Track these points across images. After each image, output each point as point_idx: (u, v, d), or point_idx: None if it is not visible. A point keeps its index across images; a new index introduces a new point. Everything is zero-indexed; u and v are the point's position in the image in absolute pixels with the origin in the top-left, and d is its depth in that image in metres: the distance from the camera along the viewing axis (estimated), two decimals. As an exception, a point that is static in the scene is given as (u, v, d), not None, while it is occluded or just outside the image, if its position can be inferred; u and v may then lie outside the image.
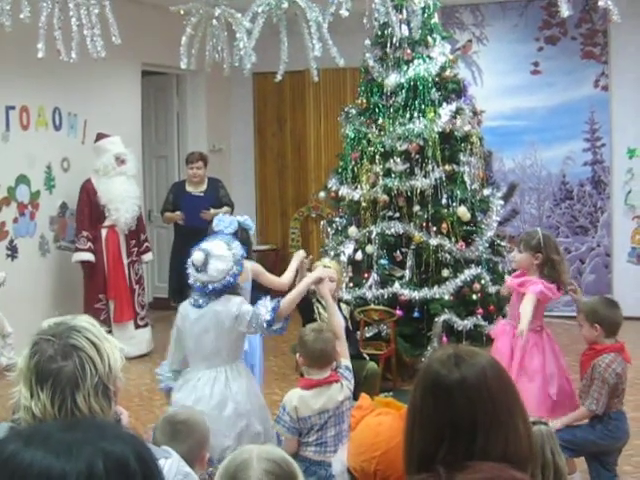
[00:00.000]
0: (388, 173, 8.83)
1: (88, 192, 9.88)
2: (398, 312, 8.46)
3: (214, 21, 6.97)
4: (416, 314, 8.52)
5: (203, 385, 5.49)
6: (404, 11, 8.80)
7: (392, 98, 9.02)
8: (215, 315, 5.48)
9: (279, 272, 6.61)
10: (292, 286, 6.47)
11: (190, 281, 5.57)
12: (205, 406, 5.34)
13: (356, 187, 9.01)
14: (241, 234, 6.53)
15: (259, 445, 3.02)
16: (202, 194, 10.37)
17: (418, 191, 8.67)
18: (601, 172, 11.58)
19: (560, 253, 6.31)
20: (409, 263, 8.68)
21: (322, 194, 9.69)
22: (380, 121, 9.00)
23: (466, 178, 8.80)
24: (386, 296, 8.61)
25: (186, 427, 4.07)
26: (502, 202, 9.01)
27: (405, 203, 8.76)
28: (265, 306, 5.48)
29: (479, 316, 8.42)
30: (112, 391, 2.58)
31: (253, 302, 5.73)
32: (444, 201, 8.69)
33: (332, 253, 8.96)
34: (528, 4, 11.65)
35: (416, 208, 8.69)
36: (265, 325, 5.43)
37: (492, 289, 8.57)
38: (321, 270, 6.34)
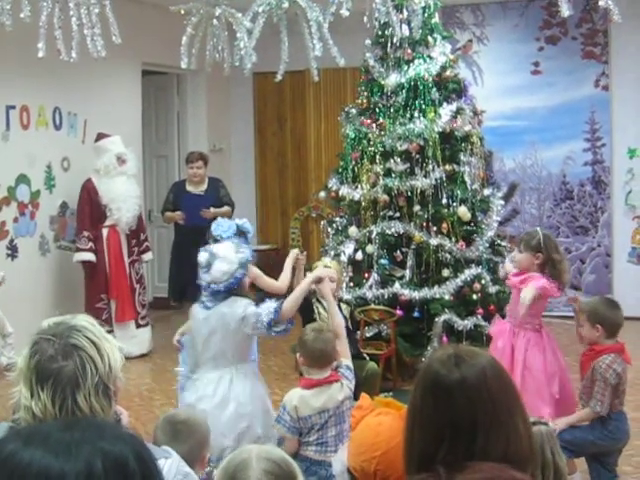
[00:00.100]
0: (388, 173, 8.83)
1: (89, 192, 9.88)
2: (398, 312, 8.46)
3: (214, 21, 6.97)
4: (416, 314, 8.52)
5: (207, 385, 5.56)
6: (404, 11, 8.80)
7: (392, 98, 9.02)
8: (221, 317, 5.54)
9: (279, 272, 6.59)
10: (290, 286, 6.49)
11: (199, 281, 5.67)
12: (207, 405, 5.41)
13: (356, 187, 9.01)
14: (242, 236, 6.57)
15: (258, 445, 3.02)
16: (202, 193, 10.37)
17: (418, 191, 8.67)
18: (601, 172, 11.57)
19: (560, 253, 6.31)
20: (409, 263, 8.68)
21: (322, 194, 9.68)
22: (380, 121, 9.00)
23: (466, 178, 8.80)
24: (386, 296, 8.61)
25: (187, 427, 4.07)
26: (502, 202, 9.01)
27: (405, 203, 8.76)
28: (267, 307, 5.50)
29: (479, 316, 8.41)
30: (112, 391, 2.57)
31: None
32: (444, 201, 8.68)
33: (332, 253, 8.96)
34: (529, 4, 11.65)
35: (416, 208, 8.69)
36: (267, 326, 5.46)
37: (492, 289, 8.57)
38: (321, 270, 6.34)
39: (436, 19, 9.29)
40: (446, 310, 8.43)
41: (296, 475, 2.77)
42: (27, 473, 1.49)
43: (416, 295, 8.50)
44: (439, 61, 8.97)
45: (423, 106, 8.81)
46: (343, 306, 7.75)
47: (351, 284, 8.83)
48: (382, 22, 8.77)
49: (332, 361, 5.31)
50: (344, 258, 8.86)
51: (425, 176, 8.69)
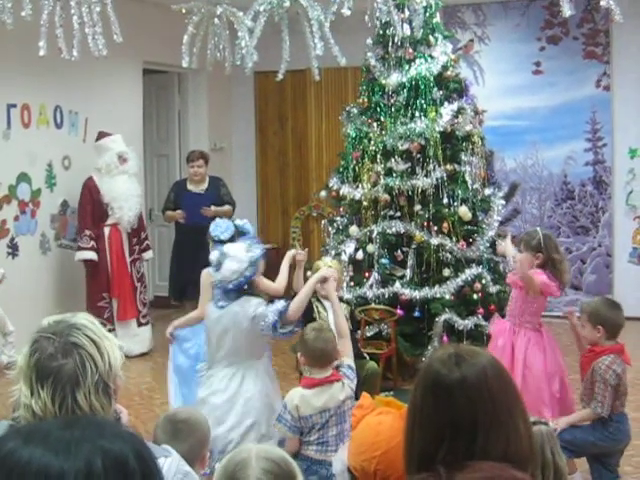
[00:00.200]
0: (389, 172, 8.83)
1: (90, 190, 9.88)
2: (399, 311, 8.46)
3: (216, 20, 6.97)
4: (417, 313, 8.52)
5: (220, 380, 5.69)
6: (406, 10, 8.80)
7: (393, 97, 9.02)
8: (233, 316, 5.63)
9: (279, 272, 6.60)
10: (288, 287, 6.50)
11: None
12: (218, 399, 5.61)
13: (357, 186, 9.01)
14: (238, 238, 6.64)
15: (258, 444, 3.03)
16: (203, 192, 10.36)
17: (419, 190, 8.67)
18: (602, 172, 11.57)
19: (561, 253, 6.31)
20: (410, 262, 8.67)
21: (323, 193, 9.69)
22: (382, 120, 9.00)
23: (467, 178, 8.80)
24: (387, 295, 8.61)
25: (187, 426, 4.07)
26: (503, 202, 9.00)
27: (406, 202, 8.76)
28: (274, 309, 5.53)
29: (480, 316, 8.41)
30: (112, 389, 2.57)
31: None
32: (445, 200, 8.68)
33: (333, 252, 8.96)
34: (530, 4, 11.64)
35: (417, 207, 8.69)
36: (272, 328, 5.50)
37: (493, 289, 8.57)
38: (326, 269, 6.34)
39: (437, 19, 9.29)
40: (447, 310, 8.43)
41: (296, 474, 2.77)
42: (26, 471, 1.49)
43: (417, 295, 8.50)
44: (440, 61, 8.97)
45: (424, 105, 8.81)
46: (343, 305, 7.75)
47: (352, 283, 8.83)
48: (383, 21, 8.77)
49: (333, 360, 5.31)
50: (345, 257, 8.86)
51: (426, 176, 8.69)
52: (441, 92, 8.92)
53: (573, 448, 5.49)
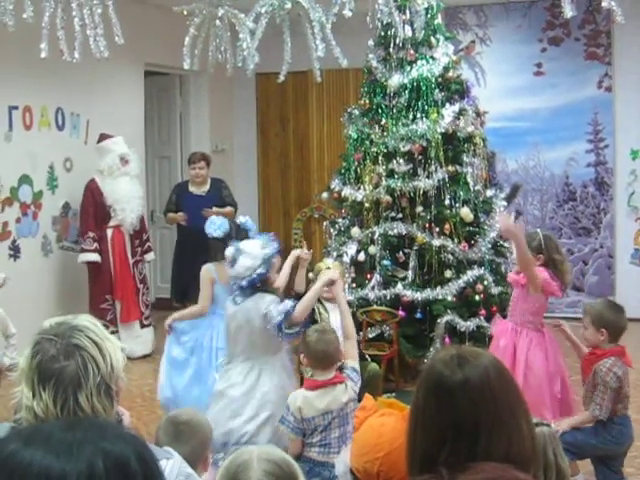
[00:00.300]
0: (391, 174, 8.82)
1: (93, 192, 9.88)
2: (401, 313, 8.45)
3: (217, 21, 6.97)
4: (419, 315, 8.51)
5: (237, 374, 5.78)
6: (407, 12, 8.79)
7: (395, 99, 9.02)
8: (247, 312, 5.71)
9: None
10: (289, 286, 6.50)
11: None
12: (235, 392, 5.71)
13: (359, 188, 9.01)
14: (237, 235, 6.71)
15: (259, 446, 3.03)
16: (204, 194, 10.36)
17: (421, 192, 8.66)
18: (604, 173, 11.56)
19: (562, 253, 6.31)
20: (412, 264, 8.67)
21: (325, 195, 9.69)
22: (383, 122, 9.00)
23: (469, 179, 8.80)
24: (389, 297, 8.60)
25: (189, 428, 4.07)
26: (505, 203, 9.00)
27: (408, 204, 8.76)
28: (281, 309, 5.56)
29: (482, 317, 8.40)
30: (114, 391, 2.57)
31: None
32: (447, 202, 8.68)
33: (335, 254, 8.95)
34: (531, 5, 11.64)
35: (419, 209, 8.69)
36: (277, 327, 5.53)
37: (495, 290, 8.57)
38: (333, 272, 6.34)
39: (439, 20, 9.29)
40: (448, 311, 8.42)
41: (297, 476, 2.77)
42: (28, 473, 1.49)
43: (418, 296, 8.50)
44: (442, 62, 8.97)
45: (426, 107, 8.81)
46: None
47: (353, 285, 8.83)
48: (385, 23, 8.76)
49: (336, 362, 5.32)
50: (346, 259, 8.85)
51: (428, 177, 8.68)
52: (443, 93, 8.91)
53: (575, 450, 5.48)
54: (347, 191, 9.09)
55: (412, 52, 8.95)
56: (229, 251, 5.76)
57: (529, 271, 6.06)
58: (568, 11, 5.66)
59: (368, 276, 8.78)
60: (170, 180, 12.49)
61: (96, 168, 9.92)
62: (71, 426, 1.59)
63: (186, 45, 6.99)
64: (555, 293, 6.21)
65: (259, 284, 5.69)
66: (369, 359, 7.76)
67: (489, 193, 8.99)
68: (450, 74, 9.01)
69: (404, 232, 8.72)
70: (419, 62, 8.94)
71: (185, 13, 7.04)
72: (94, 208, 9.86)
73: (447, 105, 8.88)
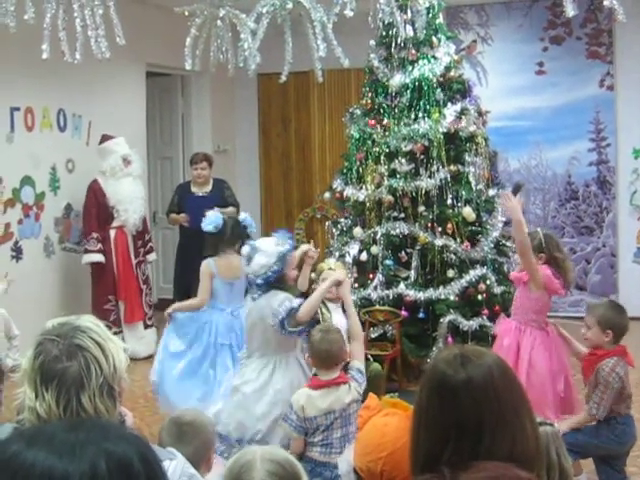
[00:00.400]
0: (393, 174, 8.82)
1: (95, 193, 9.89)
2: (403, 313, 8.45)
3: (218, 22, 6.96)
4: (421, 315, 8.50)
5: (252, 371, 5.82)
6: (409, 11, 8.78)
7: (397, 98, 9.01)
8: (260, 310, 5.74)
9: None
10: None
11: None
12: (248, 388, 5.74)
13: (361, 188, 9.00)
14: (232, 230, 6.81)
15: (263, 446, 3.03)
16: (207, 195, 10.36)
17: (423, 192, 8.66)
18: (606, 172, 11.56)
19: (563, 251, 6.30)
20: (414, 264, 8.66)
21: (327, 195, 9.69)
22: (385, 122, 8.99)
23: (471, 178, 8.80)
24: (391, 297, 8.59)
25: (192, 428, 4.06)
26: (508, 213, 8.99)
27: (410, 204, 8.75)
28: (287, 307, 5.57)
29: (484, 317, 8.40)
30: (117, 391, 2.57)
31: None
32: (449, 201, 8.67)
33: (337, 254, 8.95)
34: (533, 4, 11.64)
35: (421, 209, 8.68)
36: (280, 325, 5.55)
37: (497, 289, 8.57)
38: (339, 272, 6.33)
39: (440, 19, 9.28)
40: (451, 311, 8.42)
41: (300, 476, 2.77)
42: (30, 474, 1.49)
43: (421, 296, 8.49)
44: (443, 61, 8.97)
45: (427, 107, 8.81)
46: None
47: (356, 285, 8.82)
48: (386, 23, 8.75)
49: (339, 362, 5.31)
50: (349, 259, 8.85)
51: (430, 177, 8.68)
52: (444, 93, 8.91)
53: (577, 450, 5.47)
54: (349, 191, 9.08)
55: (414, 52, 8.95)
56: (245, 249, 5.80)
57: (526, 256, 6.06)
58: (570, 10, 5.65)
59: (370, 276, 8.77)
60: (172, 181, 12.49)
61: (98, 169, 9.92)
62: (74, 427, 1.59)
63: (187, 46, 6.98)
64: (558, 291, 6.20)
65: (274, 281, 5.70)
66: (371, 359, 7.76)
67: (491, 192, 8.99)
68: (452, 74, 9.01)
69: (406, 232, 8.71)
70: (421, 62, 8.93)
71: (186, 14, 7.04)
72: (97, 209, 9.87)
73: (449, 105, 8.88)
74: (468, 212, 8.61)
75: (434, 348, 8.39)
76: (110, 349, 2.56)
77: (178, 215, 10.46)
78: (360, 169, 9.06)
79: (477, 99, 9.23)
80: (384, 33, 9.13)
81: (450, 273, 8.58)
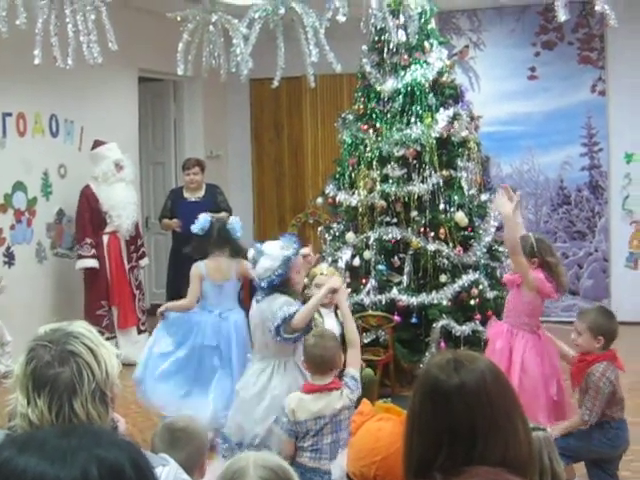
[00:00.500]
0: (385, 179, 8.82)
1: (88, 198, 9.89)
2: (396, 318, 8.45)
3: (211, 27, 6.97)
4: (414, 320, 8.50)
5: (251, 374, 5.85)
6: (401, 16, 8.78)
7: (389, 104, 9.01)
8: (261, 312, 5.76)
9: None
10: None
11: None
12: (247, 393, 5.78)
13: (353, 193, 9.00)
14: (219, 233, 6.88)
15: (256, 452, 3.02)
16: (199, 200, 10.35)
17: (415, 196, 8.66)
18: (599, 177, 11.58)
19: (555, 256, 6.29)
20: (407, 269, 8.66)
21: (319, 200, 9.69)
22: (377, 127, 9.00)
23: (463, 183, 8.80)
24: (384, 302, 8.59)
25: (185, 434, 4.06)
26: (498, 209, 8.98)
27: (402, 209, 8.75)
28: (283, 313, 5.57)
29: (477, 321, 8.40)
30: (109, 397, 2.57)
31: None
32: (442, 206, 8.68)
33: (330, 259, 8.94)
34: (525, 9, 11.66)
35: (414, 214, 8.69)
36: (275, 330, 5.56)
37: (490, 294, 8.57)
38: (335, 280, 6.31)
39: (432, 25, 9.29)
40: (444, 316, 8.42)
41: (293, 482, 2.76)
42: (22, 480, 1.49)
43: (414, 301, 8.49)
44: (436, 67, 8.97)
45: (420, 112, 8.81)
46: (339, 312, 7.74)
47: (348, 290, 8.81)
48: (378, 28, 8.76)
49: (333, 368, 5.30)
50: (341, 264, 8.84)
51: (422, 182, 8.68)
52: (437, 98, 8.91)
53: (570, 454, 5.46)
54: (342, 196, 9.08)
55: (406, 57, 8.95)
56: (251, 253, 5.83)
57: (515, 255, 6.06)
58: (561, 15, 5.65)
59: (363, 281, 8.77)
60: (164, 186, 12.48)
61: (90, 175, 9.91)
62: (66, 433, 1.59)
63: (180, 51, 6.99)
64: (550, 295, 6.21)
65: (278, 285, 5.71)
66: (364, 364, 7.75)
67: (483, 197, 9.00)
68: (444, 79, 9.02)
69: (399, 237, 8.71)
70: (413, 67, 8.94)
71: (179, 19, 7.04)
72: (90, 214, 9.86)
73: (441, 110, 8.88)
74: (460, 217, 8.61)
75: (427, 353, 8.39)
76: (102, 355, 2.55)
77: (170, 220, 10.46)
78: (352, 174, 9.06)
79: (469, 104, 9.24)
80: (376, 38, 9.14)
81: (443, 278, 8.58)
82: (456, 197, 8.69)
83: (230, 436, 5.82)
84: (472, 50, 12.04)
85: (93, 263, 9.84)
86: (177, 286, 9.88)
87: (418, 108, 8.82)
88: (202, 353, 7.22)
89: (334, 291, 5.85)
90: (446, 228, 8.60)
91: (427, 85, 8.87)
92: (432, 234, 8.60)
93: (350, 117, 9.32)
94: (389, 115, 8.97)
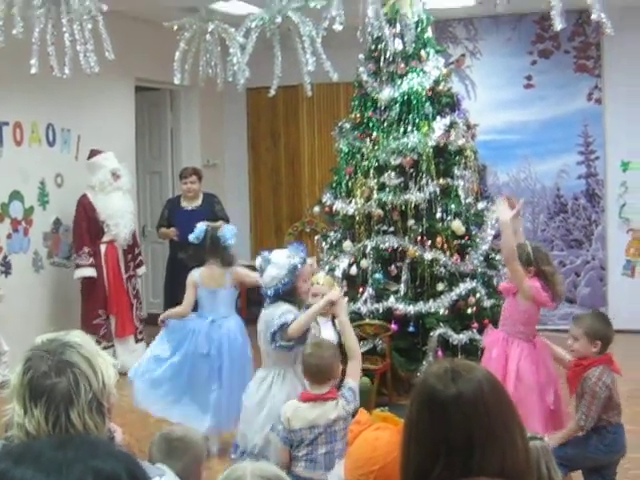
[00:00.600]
0: (382, 187, 8.82)
1: (85, 208, 9.88)
2: (393, 326, 8.44)
3: (207, 36, 6.98)
4: (411, 328, 8.50)
5: (254, 383, 5.89)
6: (398, 25, 8.80)
7: (386, 112, 9.02)
8: (264, 321, 5.76)
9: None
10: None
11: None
12: (249, 401, 5.83)
13: (350, 201, 9.00)
14: (212, 241, 6.91)
15: (254, 462, 3.01)
16: (196, 209, 10.35)
17: (412, 205, 8.66)
18: (595, 185, 11.59)
19: (552, 264, 6.29)
20: (404, 277, 8.66)
21: (316, 209, 9.68)
22: (374, 135, 9.00)
23: (460, 192, 8.80)
24: (381, 310, 8.59)
25: (182, 444, 4.05)
26: (496, 216, 8.99)
27: (399, 217, 8.75)
28: (280, 321, 5.58)
29: (474, 330, 8.39)
30: (106, 407, 2.56)
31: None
32: (438, 215, 8.68)
33: (327, 268, 8.94)
34: (521, 18, 11.67)
35: (410, 222, 8.68)
36: (270, 338, 5.57)
37: (487, 303, 8.56)
38: (333, 292, 6.29)
39: (429, 33, 9.29)
40: (441, 324, 8.41)
41: (290, 492, 2.76)
42: (18, 492, 1.48)
43: (411, 309, 8.49)
44: (432, 75, 8.97)
45: (416, 120, 8.81)
46: (336, 321, 7.73)
47: (346, 299, 8.80)
48: (375, 36, 8.77)
49: (330, 378, 5.28)
50: (338, 273, 8.84)
51: (419, 190, 8.68)
52: (433, 107, 8.91)
53: (567, 463, 5.45)
54: (338, 205, 9.08)
55: (402, 65, 8.95)
56: (258, 260, 5.85)
57: (510, 262, 6.07)
58: (558, 24, 5.66)
59: (360, 290, 8.77)
60: (161, 195, 12.48)
61: (87, 184, 9.91)
62: (62, 444, 1.58)
63: (176, 60, 6.99)
64: (546, 304, 6.20)
65: (284, 294, 5.71)
66: (361, 373, 7.73)
67: (480, 206, 8.99)
68: (440, 87, 9.02)
69: (396, 245, 8.71)
70: (409, 75, 8.94)
71: (175, 28, 7.05)
72: (87, 223, 9.86)
73: (438, 118, 8.88)
74: (457, 225, 8.61)
75: (424, 362, 8.38)
76: (99, 365, 2.55)
77: (168, 229, 10.47)
78: (349, 183, 9.06)
79: (466, 113, 9.24)
80: (373, 47, 9.14)
81: (440, 286, 8.58)
82: (453, 206, 8.69)
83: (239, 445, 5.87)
84: (468, 59, 12.06)
85: (91, 272, 9.83)
86: (174, 295, 9.89)
87: (415, 117, 8.82)
88: (194, 360, 7.27)
89: (332, 303, 5.83)
90: (443, 237, 8.60)
91: (424, 94, 8.87)
92: (429, 243, 8.60)
93: (347, 126, 9.32)
94: (386, 124, 8.98)
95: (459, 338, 8.38)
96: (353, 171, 9.03)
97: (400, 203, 8.70)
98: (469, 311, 8.48)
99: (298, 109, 13.01)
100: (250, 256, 12.67)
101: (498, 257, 8.76)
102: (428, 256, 8.54)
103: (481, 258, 8.74)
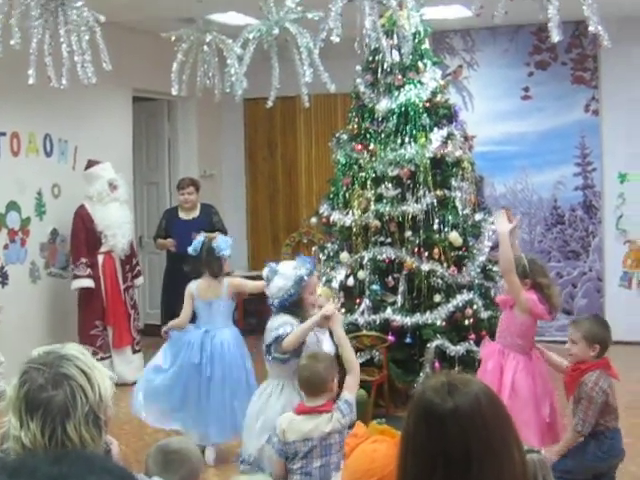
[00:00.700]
0: (379, 198, 8.82)
1: (83, 218, 9.88)
2: (390, 338, 8.43)
3: (205, 47, 6.99)
4: (408, 340, 8.49)
5: (257, 392, 5.96)
6: (395, 37, 8.80)
7: (383, 123, 9.02)
8: (267, 332, 5.77)
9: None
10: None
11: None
12: (249, 411, 5.87)
13: (347, 212, 9.00)
14: (207, 252, 6.94)
15: (249, 475, 3.01)
16: (194, 220, 10.35)
17: (410, 216, 8.66)
18: (592, 197, 11.60)
19: (548, 276, 6.30)
20: (401, 288, 8.66)
21: (313, 220, 9.67)
22: (371, 147, 9.00)
23: (457, 203, 8.80)
24: (378, 322, 8.58)
25: (179, 457, 4.04)
26: (494, 227, 8.99)
27: (397, 228, 8.75)
28: (275, 334, 5.58)
29: (471, 341, 8.39)
30: (102, 420, 2.55)
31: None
32: (436, 226, 8.67)
33: (324, 279, 8.93)
34: (518, 29, 11.69)
35: (408, 233, 8.68)
36: (265, 349, 5.58)
37: (484, 314, 8.56)
38: (328, 307, 6.26)
39: (426, 45, 9.30)
40: (438, 336, 8.40)
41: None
42: (13, 508, 1.47)
43: (408, 321, 8.48)
44: (429, 87, 8.98)
45: (414, 131, 8.81)
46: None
47: (343, 310, 8.80)
48: (372, 48, 8.75)
49: (326, 390, 5.25)
50: (335, 284, 8.83)
51: (416, 201, 8.68)
52: (430, 118, 8.91)
53: (568, 476, 5.43)
54: (336, 216, 9.08)
55: (400, 77, 8.96)
56: (265, 271, 5.87)
57: (507, 275, 6.07)
58: (555, 35, 5.66)
59: (357, 301, 8.76)
60: (158, 206, 12.47)
61: (84, 194, 9.91)
62: (57, 459, 1.58)
63: (174, 71, 7.00)
64: (543, 316, 6.20)
65: (290, 305, 5.72)
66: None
67: (478, 217, 8.99)
68: (438, 99, 9.03)
69: (393, 257, 8.70)
70: (407, 87, 8.94)
71: (173, 39, 7.06)
72: (85, 234, 9.86)
73: (435, 130, 8.89)
74: (455, 237, 8.61)
75: (421, 373, 8.38)
76: (96, 377, 2.54)
77: (165, 240, 10.47)
78: (347, 194, 9.06)
79: (463, 124, 9.25)
80: (370, 58, 9.15)
81: (437, 298, 8.57)
82: (450, 217, 8.69)
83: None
84: (466, 70, 12.07)
85: (89, 283, 9.83)
86: (172, 306, 9.89)
87: (412, 128, 8.82)
88: (189, 371, 7.31)
89: (327, 318, 5.80)
90: (440, 248, 8.59)
91: (421, 105, 8.87)
92: (426, 254, 8.60)
93: (344, 137, 9.32)
94: (383, 135, 8.98)
95: (456, 350, 8.37)
96: (350, 182, 9.03)
97: (397, 214, 8.70)
98: (466, 323, 8.48)
99: (295, 120, 13.02)
100: (247, 267, 12.68)
101: (495, 269, 8.74)
102: (425, 267, 8.53)
103: (478, 270, 8.74)
